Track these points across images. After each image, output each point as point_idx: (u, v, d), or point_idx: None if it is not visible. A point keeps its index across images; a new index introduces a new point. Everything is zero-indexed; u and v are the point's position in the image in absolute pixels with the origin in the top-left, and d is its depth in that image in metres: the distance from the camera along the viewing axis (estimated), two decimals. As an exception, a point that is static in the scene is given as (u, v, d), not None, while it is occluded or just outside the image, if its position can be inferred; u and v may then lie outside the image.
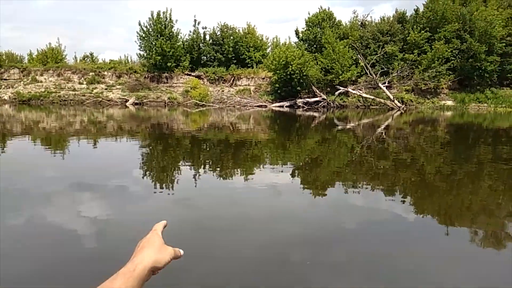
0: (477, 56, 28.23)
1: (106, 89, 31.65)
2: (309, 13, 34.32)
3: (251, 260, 3.97)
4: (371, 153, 11.09)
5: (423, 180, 7.93)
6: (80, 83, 31.99)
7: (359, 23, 34.41)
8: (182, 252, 0.94)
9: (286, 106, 28.86)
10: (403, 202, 6.36)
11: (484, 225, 5.38)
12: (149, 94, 31.13)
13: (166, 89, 31.89)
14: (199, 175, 8.00)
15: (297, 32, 35.31)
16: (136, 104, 29.98)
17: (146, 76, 32.49)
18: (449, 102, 29.70)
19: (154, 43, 31.70)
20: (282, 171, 8.47)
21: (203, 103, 29.58)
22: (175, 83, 32.44)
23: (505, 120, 22.22)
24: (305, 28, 34.24)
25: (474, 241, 4.75)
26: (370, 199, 6.46)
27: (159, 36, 31.52)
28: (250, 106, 29.40)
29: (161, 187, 6.96)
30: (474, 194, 6.94)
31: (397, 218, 5.54)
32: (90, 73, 32.19)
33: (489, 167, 9.25)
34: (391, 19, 33.40)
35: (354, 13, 41.86)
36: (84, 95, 30.96)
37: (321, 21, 33.43)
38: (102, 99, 30.56)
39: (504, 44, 28.58)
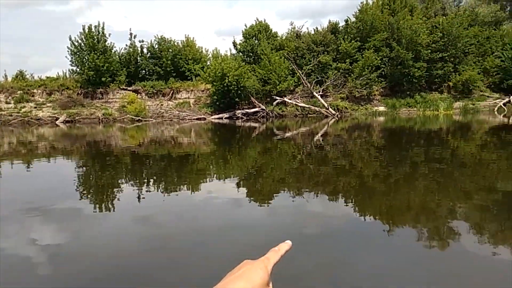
0: (405, 63, 29.87)
1: (35, 107, 29.94)
2: (246, 25, 34.70)
3: (213, 273, 3.85)
4: (313, 160, 11.27)
5: (364, 184, 8.14)
6: (7, 103, 30.04)
7: (295, 34, 35.22)
8: None
9: (226, 118, 28.80)
10: (347, 205, 6.55)
11: (428, 223, 5.61)
12: (82, 110, 29.83)
13: (101, 105, 30.73)
14: (148, 192, 7.75)
15: (235, 44, 35.52)
16: (68, 122, 28.58)
17: (79, 92, 31.12)
18: (381, 108, 31.08)
19: (86, 58, 30.50)
20: (229, 183, 8.41)
21: (139, 118, 28.81)
22: (111, 99, 31.35)
23: (434, 122, 23.55)
24: (242, 40, 34.53)
25: (420, 239, 4.95)
26: (316, 205, 6.54)
27: (91, 50, 30.38)
28: (189, 119, 29.04)
29: (111, 208, 6.66)
30: (412, 194, 7.20)
31: (345, 222, 5.68)
32: (18, 92, 30.33)
33: (424, 167, 9.68)
34: (325, 30, 34.50)
35: (291, 24, 42.73)
36: (11, 115, 29.06)
37: (257, 32, 33.86)
38: (31, 118, 28.86)
39: (429, 51, 30.39)
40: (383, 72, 31.02)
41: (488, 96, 30.80)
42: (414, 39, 29.70)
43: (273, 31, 34.96)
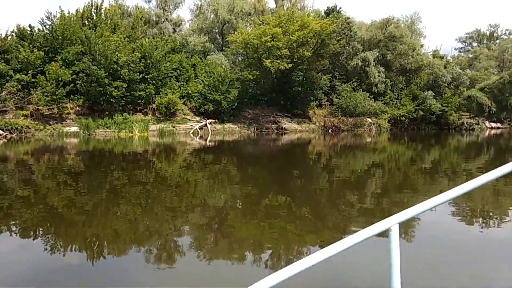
0: (100, 81, 27.92)
1: None
2: None
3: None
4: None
5: (59, 215, 7.21)
6: None
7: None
8: None
9: None
10: (37, 240, 5.85)
11: (150, 243, 5.69)
12: None
13: None
14: None
15: None
16: None
17: None
18: (74, 128, 27.90)
19: None
20: None
21: None
22: None
23: (132, 144, 22.31)
24: None
25: (148, 260, 5.01)
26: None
27: None
28: None
29: None
30: (120, 219, 6.84)
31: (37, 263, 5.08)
32: None
33: (128, 191, 9.19)
34: (10, 34, 29.01)
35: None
36: None
37: None
38: None
39: (128, 71, 29.27)
40: (77, 89, 28.19)
41: (189, 119, 32.16)
42: (109, 57, 28.28)
43: None
